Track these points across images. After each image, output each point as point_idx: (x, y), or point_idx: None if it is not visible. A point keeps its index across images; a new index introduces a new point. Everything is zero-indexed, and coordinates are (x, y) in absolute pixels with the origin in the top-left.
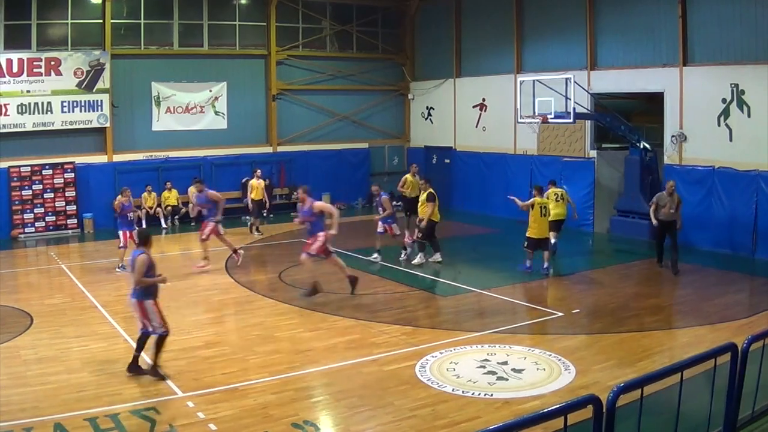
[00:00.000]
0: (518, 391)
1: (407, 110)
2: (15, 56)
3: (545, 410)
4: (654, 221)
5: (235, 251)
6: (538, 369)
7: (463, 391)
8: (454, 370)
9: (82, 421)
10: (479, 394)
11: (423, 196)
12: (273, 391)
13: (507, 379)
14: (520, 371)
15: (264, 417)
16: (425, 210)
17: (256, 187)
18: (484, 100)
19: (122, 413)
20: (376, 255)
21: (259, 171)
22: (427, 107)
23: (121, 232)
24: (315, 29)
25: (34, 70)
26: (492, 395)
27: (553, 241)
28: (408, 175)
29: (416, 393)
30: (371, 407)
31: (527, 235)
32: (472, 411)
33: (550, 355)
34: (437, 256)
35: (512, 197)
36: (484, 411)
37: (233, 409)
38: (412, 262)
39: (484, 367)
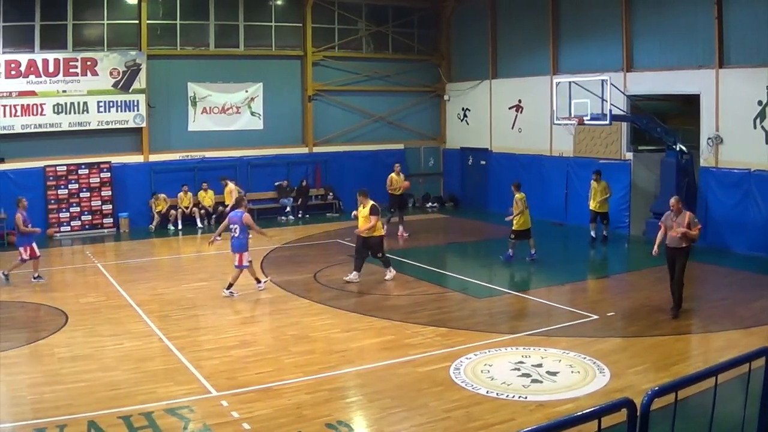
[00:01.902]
0: (552, 394)
1: (443, 111)
2: (51, 56)
3: (579, 413)
4: (655, 249)
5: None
6: (572, 372)
7: (497, 394)
8: (489, 372)
9: (115, 419)
10: (513, 397)
11: (366, 210)
12: (307, 391)
13: (541, 382)
14: (554, 374)
15: (298, 417)
16: (368, 224)
17: (229, 193)
18: (520, 101)
19: (156, 412)
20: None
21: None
22: (463, 108)
23: (21, 248)
24: (351, 30)
25: (70, 70)
26: (526, 398)
27: (604, 232)
28: (393, 174)
29: (450, 395)
30: (405, 408)
31: (514, 228)
32: (506, 413)
33: (585, 358)
34: (391, 271)
35: (508, 218)
36: (518, 413)
37: (267, 409)
38: (386, 278)
39: (518, 369)
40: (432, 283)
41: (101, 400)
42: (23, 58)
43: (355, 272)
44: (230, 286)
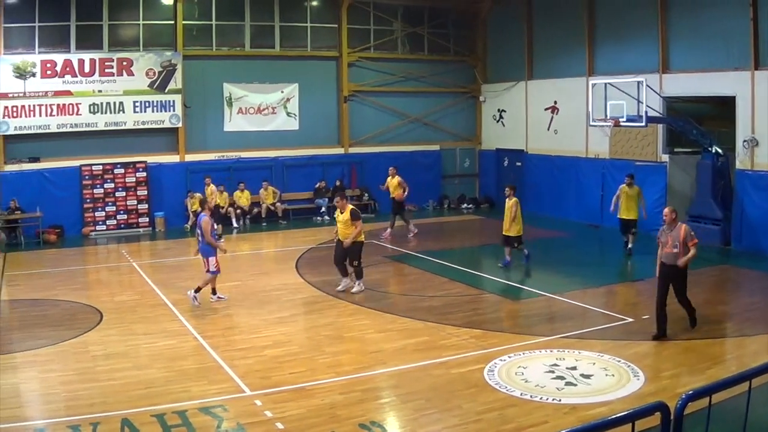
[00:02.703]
0: (586, 397)
1: (479, 112)
2: (87, 56)
3: (612, 417)
4: (657, 271)
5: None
6: (606, 375)
7: (531, 396)
8: (523, 374)
9: (149, 417)
10: (547, 399)
11: (345, 215)
12: (341, 391)
13: (575, 385)
14: (588, 377)
15: (331, 417)
16: (351, 231)
17: (211, 194)
18: (555, 102)
19: (190, 410)
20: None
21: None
22: (498, 110)
23: None
24: (386, 31)
25: (106, 70)
26: (560, 400)
27: (630, 245)
28: (389, 178)
29: (484, 396)
30: (438, 410)
31: (513, 234)
32: (540, 416)
33: (619, 361)
34: (360, 285)
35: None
36: (552, 416)
37: (300, 409)
38: (352, 291)
39: (552, 371)
40: (467, 284)
41: (135, 398)
42: (59, 58)
43: (344, 279)
44: (214, 291)
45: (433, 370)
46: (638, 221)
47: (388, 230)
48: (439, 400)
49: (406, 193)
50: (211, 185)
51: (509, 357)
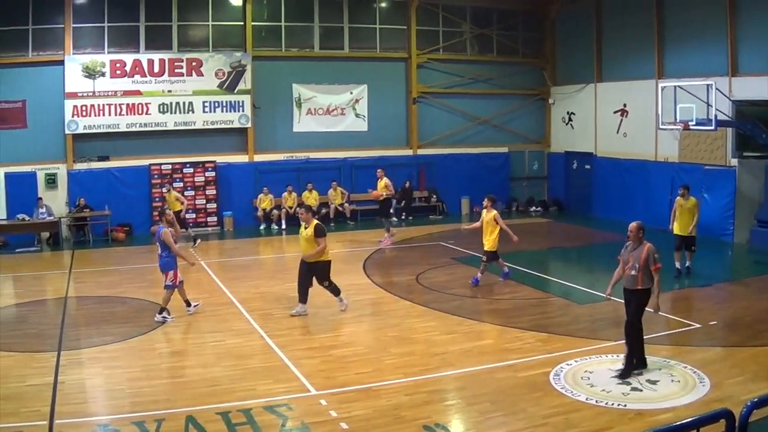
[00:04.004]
0: (652, 403)
1: (548, 115)
2: (156, 56)
3: (678, 423)
4: (607, 291)
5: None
6: (672, 381)
7: (596, 401)
8: (589, 378)
9: (214, 415)
10: (613, 404)
11: (309, 231)
12: (406, 392)
13: (641, 390)
14: (654, 382)
15: (396, 418)
16: (314, 248)
17: (172, 200)
18: (625, 105)
19: (255, 408)
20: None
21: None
22: (567, 112)
23: None
24: (455, 33)
25: (176, 70)
26: (625, 406)
27: (687, 263)
28: (385, 179)
29: (549, 401)
30: (503, 413)
31: (489, 249)
32: (605, 421)
33: (686, 366)
34: (342, 301)
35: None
36: (617, 421)
37: (365, 409)
38: (339, 309)
39: (618, 377)
40: (534, 287)
41: (200, 395)
42: (128, 58)
43: (300, 304)
44: (162, 310)
45: (499, 373)
46: (697, 237)
47: (387, 234)
48: (504, 403)
49: (385, 195)
50: (173, 192)
51: (575, 361)
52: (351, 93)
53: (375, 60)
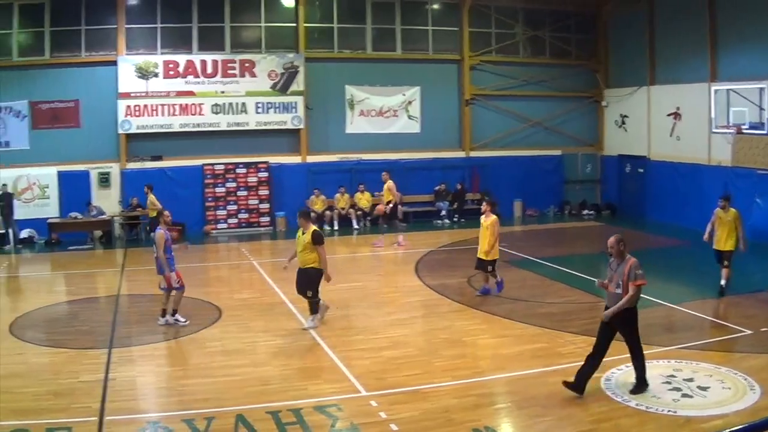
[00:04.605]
0: (702, 410)
1: (601, 117)
2: (209, 57)
3: (728, 430)
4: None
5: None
6: (723, 387)
7: (646, 407)
8: None
9: (264, 414)
10: (662, 410)
11: (307, 236)
12: (456, 395)
13: (691, 397)
14: (705, 389)
15: (445, 420)
16: (310, 255)
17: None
18: (678, 108)
19: (305, 408)
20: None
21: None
22: (621, 115)
23: None
24: (508, 34)
25: (229, 71)
26: (675, 412)
27: (722, 281)
28: (389, 182)
29: (599, 406)
30: (553, 417)
31: (490, 258)
32: (654, 427)
33: (736, 373)
34: (313, 321)
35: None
36: (667, 428)
37: (415, 411)
38: (303, 327)
39: (669, 383)
40: (585, 291)
41: (250, 394)
42: (181, 58)
43: (312, 316)
44: (174, 312)
45: (549, 377)
46: (735, 252)
47: (400, 237)
48: (554, 407)
49: (392, 200)
50: (151, 194)
51: (626, 366)
52: (404, 95)
53: (427, 62)
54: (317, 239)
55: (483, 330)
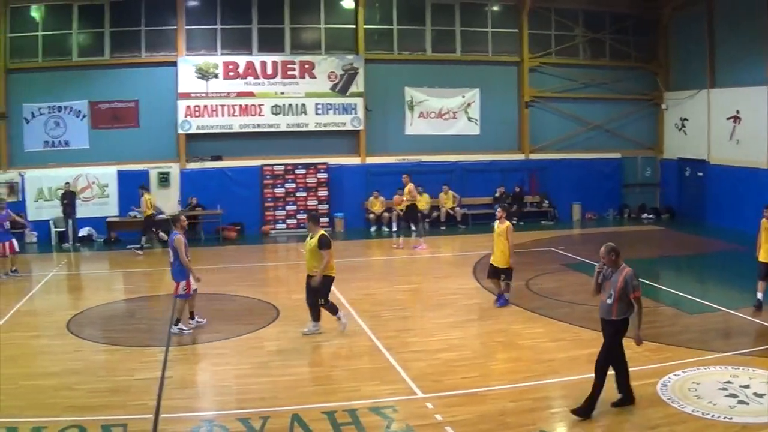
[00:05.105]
0: (758, 417)
1: (660, 120)
2: (269, 59)
3: None
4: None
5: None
6: None
7: (702, 413)
8: (696, 390)
9: (319, 414)
10: (718, 417)
11: (313, 240)
12: (512, 398)
13: (748, 404)
14: (761, 396)
15: (501, 424)
16: (317, 260)
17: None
18: (738, 112)
19: (360, 409)
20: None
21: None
22: (680, 118)
23: None
24: (567, 36)
25: (288, 72)
26: (731, 419)
27: (759, 295)
28: (410, 185)
29: (655, 411)
30: (608, 423)
31: (504, 266)
32: None
33: None
34: (315, 327)
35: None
36: None
37: (471, 414)
38: (304, 330)
39: (725, 389)
40: (643, 296)
41: (306, 394)
42: (241, 60)
43: (313, 322)
44: (177, 321)
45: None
46: None
47: (421, 240)
48: (610, 412)
49: (414, 201)
50: (146, 194)
51: (683, 372)
52: (463, 97)
53: (487, 64)
54: (323, 243)
55: (539, 333)
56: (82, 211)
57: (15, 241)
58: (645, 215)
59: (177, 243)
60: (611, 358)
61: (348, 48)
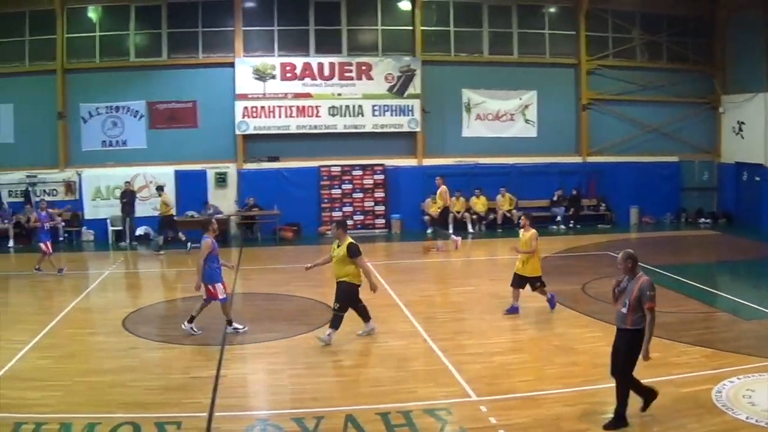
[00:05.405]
0: None
1: (718, 124)
2: (326, 60)
3: None
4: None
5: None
6: None
7: (756, 420)
8: (751, 397)
9: (373, 416)
10: None
11: (342, 249)
12: (567, 403)
13: None
14: None
15: (556, 428)
16: (345, 269)
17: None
18: None
19: (414, 411)
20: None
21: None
22: (738, 122)
23: (41, 243)
24: (624, 39)
25: (345, 74)
26: None
27: None
28: (443, 187)
29: (710, 418)
30: (663, 428)
31: (532, 275)
32: None
33: None
34: (329, 336)
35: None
36: None
37: (525, 418)
38: (318, 336)
39: None
40: (701, 301)
41: (361, 395)
42: (298, 61)
43: (366, 324)
44: (230, 322)
45: (661, 387)
46: None
47: (440, 242)
48: (664, 417)
49: (446, 204)
50: (162, 195)
51: (738, 379)
52: (520, 99)
53: (544, 66)
54: (353, 252)
55: (597, 338)
56: (139, 210)
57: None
58: (702, 219)
59: (202, 246)
60: (631, 368)
61: (405, 49)
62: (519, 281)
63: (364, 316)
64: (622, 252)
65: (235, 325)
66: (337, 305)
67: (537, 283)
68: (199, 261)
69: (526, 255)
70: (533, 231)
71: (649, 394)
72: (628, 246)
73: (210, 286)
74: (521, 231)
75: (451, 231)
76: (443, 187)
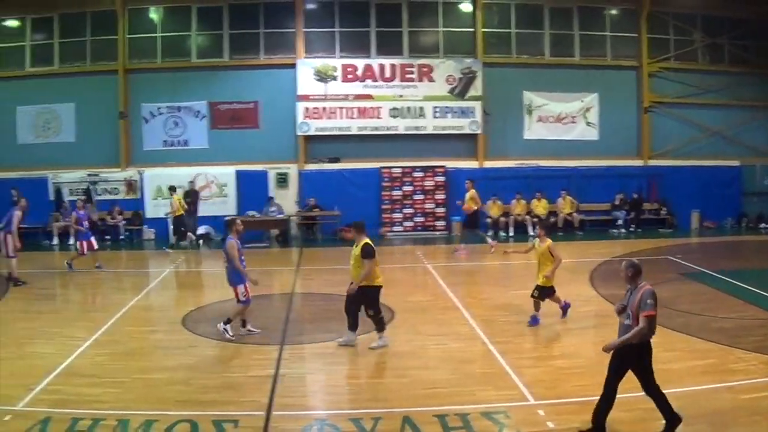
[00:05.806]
0: None
1: None
2: (387, 62)
3: None
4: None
5: None
6: None
7: None
8: None
9: (431, 417)
10: None
11: (357, 249)
12: (623, 408)
13: None
14: None
15: None
16: (362, 271)
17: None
18: None
19: (472, 414)
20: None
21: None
22: None
23: (78, 243)
24: (686, 41)
25: (407, 75)
26: None
27: None
28: (472, 191)
29: (767, 426)
30: None
31: (545, 284)
32: None
33: None
34: (381, 340)
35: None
36: None
37: (582, 422)
38: (371, 347)
39: None
40: (761, 307)
41: (418, 397)
42: (360, 62)
43: (349, 332)
44: (244, 323)
45: (719, 394)
46: None
47: (462, 246)
48: (721, 425)
49: (476, 207)
50: (175, 195)
51: None
52: (582, 101)
53: (605, 68)
54: (366, 252)
55: (655, 343)
56: (200, 209)
57: (94, 239)
58: (763, 225)
59: (229, 248)
60: (652, 380)
61: (466, 51)
62: (542, 293)
63: (353, 324)
64: (624, 261)
65: (227, 327)
66: (371, 312)
67: (549, 294)
68: (237, 263)
69: (543, 265)
70: (549, 241)
71: (672, 419)
72: (688, 251)
73: (233, 288)
74: (536, 241)
75: (489, 234)
76: (473, 191)
